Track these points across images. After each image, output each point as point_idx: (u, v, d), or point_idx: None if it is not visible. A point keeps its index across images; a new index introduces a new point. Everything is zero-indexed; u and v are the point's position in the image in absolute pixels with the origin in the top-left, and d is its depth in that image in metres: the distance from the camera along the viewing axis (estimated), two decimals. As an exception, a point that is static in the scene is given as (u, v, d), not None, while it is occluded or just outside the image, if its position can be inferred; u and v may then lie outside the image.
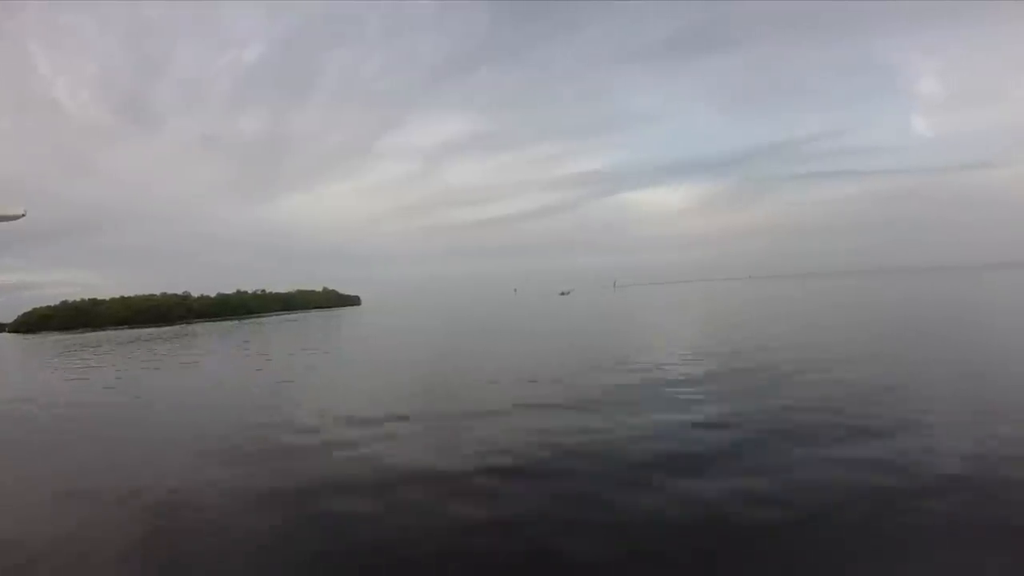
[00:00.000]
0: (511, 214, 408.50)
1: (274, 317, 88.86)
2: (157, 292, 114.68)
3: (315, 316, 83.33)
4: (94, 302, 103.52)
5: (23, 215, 3.80)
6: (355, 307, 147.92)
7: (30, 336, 79.42)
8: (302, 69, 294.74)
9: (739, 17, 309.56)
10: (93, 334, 65.05)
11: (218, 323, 78.42)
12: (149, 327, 78.42)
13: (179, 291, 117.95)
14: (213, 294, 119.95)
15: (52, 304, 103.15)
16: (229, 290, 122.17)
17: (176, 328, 66.83)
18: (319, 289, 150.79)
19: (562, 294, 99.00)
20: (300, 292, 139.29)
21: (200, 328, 61.89)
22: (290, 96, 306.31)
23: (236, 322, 76.28)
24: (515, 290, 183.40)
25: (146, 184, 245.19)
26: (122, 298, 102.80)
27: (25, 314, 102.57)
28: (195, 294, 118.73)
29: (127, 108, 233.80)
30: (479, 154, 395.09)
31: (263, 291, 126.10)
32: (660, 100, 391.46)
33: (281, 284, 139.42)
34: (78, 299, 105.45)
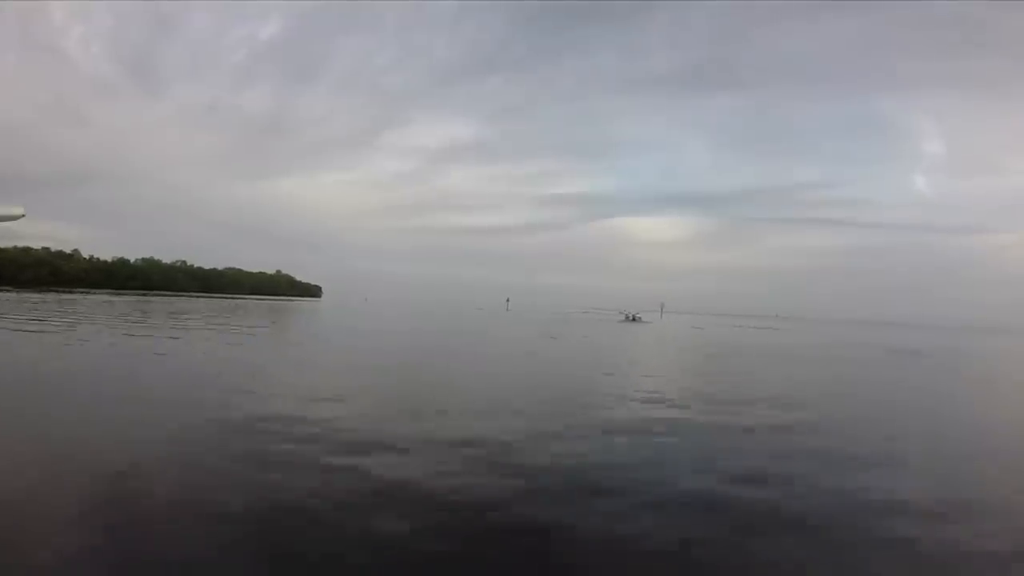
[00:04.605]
0: (502, 225, 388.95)
1: (174, 298, 63.91)
2: (104, 256, 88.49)
3: (238, 304, 58.99)
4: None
5: (23, 215, 3.92)
6: (313, 299, 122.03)
7: None
8: (313, 52, 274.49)
9: (746, 61, 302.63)
10: None
11: (53, 296, 52.85)
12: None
13: (134, 257, 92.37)
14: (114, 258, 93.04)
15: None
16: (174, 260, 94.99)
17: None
18: (272, 272, 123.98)
19: (629, 319, 60.03)
20: (234, 271, 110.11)
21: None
22: (296, 78, 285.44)
23: (46, 296, 49.94)
24: (507, 301, 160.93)
25: (139, 145, 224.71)
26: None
27: None
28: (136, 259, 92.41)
29: (134, 66, 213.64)
30: (476, 161, 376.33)
31: (183, 263, 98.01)
32: (659, 131, 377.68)
33: (249, 265, 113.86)
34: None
